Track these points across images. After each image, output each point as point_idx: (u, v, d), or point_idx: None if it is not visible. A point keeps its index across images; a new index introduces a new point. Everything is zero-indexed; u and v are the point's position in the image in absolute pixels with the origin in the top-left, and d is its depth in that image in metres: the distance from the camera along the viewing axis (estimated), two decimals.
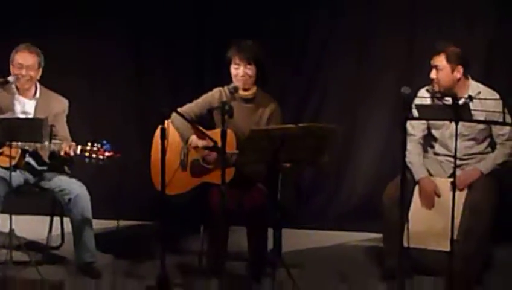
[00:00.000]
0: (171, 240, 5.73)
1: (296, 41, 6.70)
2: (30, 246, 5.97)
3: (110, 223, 6.33)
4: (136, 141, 6.57)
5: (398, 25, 6.53)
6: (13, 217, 5.34)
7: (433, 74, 5.42)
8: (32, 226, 6.22)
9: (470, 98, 5.06)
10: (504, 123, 5.09)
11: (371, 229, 6.36)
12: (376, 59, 6.56)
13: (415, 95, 5.35)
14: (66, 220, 5.78)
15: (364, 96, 6.65)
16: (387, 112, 6.50)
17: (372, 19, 6.57)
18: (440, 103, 5.17)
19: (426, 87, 5.47)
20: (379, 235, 5.97)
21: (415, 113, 5.21)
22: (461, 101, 5.10)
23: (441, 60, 5.41)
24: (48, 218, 6.00)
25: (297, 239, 6.33)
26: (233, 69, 5.49)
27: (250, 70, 5.48)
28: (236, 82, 5.47)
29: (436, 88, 5.39)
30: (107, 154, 5.33)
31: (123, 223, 6.53)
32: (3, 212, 5.46)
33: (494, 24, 6.37)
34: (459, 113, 4.82)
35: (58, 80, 5.87)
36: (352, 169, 6.76)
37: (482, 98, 5.30)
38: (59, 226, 6.03)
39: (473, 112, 5.12)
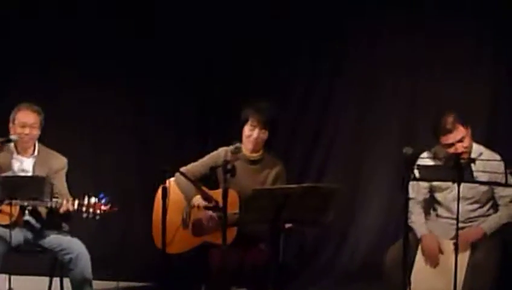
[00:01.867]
0: None
1: (297, 98, 6.77)
2: None
3: (110, 284, 6.31)
4: (137, 197, 6.59)
5: (400, 75, 6.59)
6: (12, 277, 5.36)
7: (460, 148, 5.40)
8: (31, 287, 6.20)
9: (472, 160, 5.09)
10: (507, 185, 5.10)
11: None
12: (378, 114, 6.62)
13: (416, 157, 5.37)
14: (66, 280, 5.76)
15: (367, 154, 6.68)
16: (390, 170, 6.50)
17: (374, 72, 6.64)
18: (442, 164, 5.20)
19: (426, 152, 5.52)
20: None
21: (417, 174, 5.23)
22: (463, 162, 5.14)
23: (461, 132, 5.42)
24: (47, 278, 5.93)
25: None
26: (247, 130, 5.52)
27: (264, 134, 5.53)
28: (248, 143, 5.52)
29: (465, 157, 5.38)
30: (103, 207, 5.38)
31: (124, 284, 6.52)
32: (1, 272, 5.46)
33: (495, 86, 6.40)
34: (461, 174, 4.84)
35: (59, 134, 6.00)
36: (355, 230, 6.75)
37: (484, 158, 5.34)
38: (58, 287, 5.96)
39: (475, 173, 5.19)
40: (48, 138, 5.85)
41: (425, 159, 5.43)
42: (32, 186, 5.25)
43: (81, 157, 6.22)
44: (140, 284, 6.69)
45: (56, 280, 5.95)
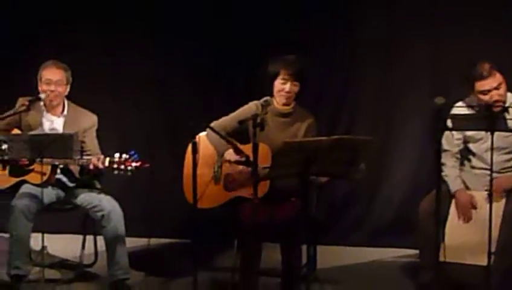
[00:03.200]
0: (203, 257, 5.73)
1: (323, 55, 6.70)
2: (63, 264, 6.06)
3: (142, 241, 6.35)
4: (166, 154, 6.62)
5: (423, 30, 6.53)
6: (46, 235, 5.40)
7: (496, 96, 5.33)
8: (64, 245, 6.31)
9: (506, 108, 5.03)
10: None
11: (406, 245, 6.36)
12: (404, 68, 6.57)
13: (447, 107, 5.31)
14: (99, 238, 5.81)
15: (396, 108, 6.65)
16: (421, 123, 6.48)
17: (396, 26, 6.59)
18: (475, 112, 5.15)
19: (461, 102, 5.47)
20: (414, 251, 6.00)
21: (450, 124, 5.19)
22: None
23: (497, 79, 5.36)
24: (80, 236, 6.02)
25: (332, 256, 6.36)
26: (278, 84, 5.49)
27: (296, 86, 5.50)
28: (280, 97, 5.50)
29: (498, 107, 5.31)
30: (135, 164, 5.36)
31: (155, 241, 6.60)
32: (35, 231, 5.52)
33: None
34: (495, 123, 4.78)
35: (86, 95, 5.93)
36: (387, 183, 6.76)
37: None
38: (92, 245, 6.06)
39: (509, 122, 5.13)
40: (78, 97, 5.86)
41: (459, 109, 5.35)
42: (61, 144, 5.22)
43: (111, 115, 6.22)
44: (172, 240, 6.77)
45: (90, 238, 6.04)
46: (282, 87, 5.49)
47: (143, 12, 6.79)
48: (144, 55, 6.83)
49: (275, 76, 5.49)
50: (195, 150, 4.94)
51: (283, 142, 4.82)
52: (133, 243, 6.19)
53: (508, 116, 5.03)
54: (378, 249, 6.55)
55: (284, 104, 5.53)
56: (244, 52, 6.64)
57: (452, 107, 5.34)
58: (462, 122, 5.02)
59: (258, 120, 4.88)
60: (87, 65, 6.52)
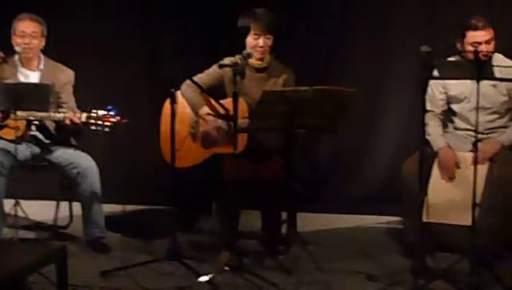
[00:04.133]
0: (183, 221, 5.61)
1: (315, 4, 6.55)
2: (37, 226, 5.96)
3: (119, 207, 6.22)
4: (146, 112, 6.43)
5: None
6: (20, 201, 5.32)
7: (485, 50, 5.26)
8: (39, 210, 6.14)
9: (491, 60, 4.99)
10: None
11: (392, 213, 6.25)
12: (398, 27, 6.45)
13: (433, 55, 5.21)
14: (75, 204, 5.77)
15: (384, 73, 6.52)
16: (410, 87, 6.34)
17: None
18: (461, 59, 5.08)
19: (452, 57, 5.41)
20: (398, 219, 5.95)
21: (436, 73, 5.09)
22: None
23: (490, 33, 5.31)
24: (54, 202, 5.96)
25: (315, 222, 6.26)
26: (251, 40, 5.41)
27: (270, 40, 5.42)
28: (255, 52, 5.40)
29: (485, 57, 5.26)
30: (112, 119, 5.25)
31: (132, 207, 6.49)
32: (7, 196, 5.42)
33: None
34: (482, 70, 4.70)
35: (65, 51, 5.84)
36: (372, 151, 6.64)
37: (502, 65, 5.24)
38: (67, 209, 5.99)
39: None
40: (56, 53, 5.75)
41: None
42: (37, 95, 5.14)
43: (89, 72, 6.08)
44: (150, 207, 6.65)
45: (65, 204, 5.98)
46: (255, 42, 5.40)
47: None
48: (125, 13, 6.66)
49: (247, 31, 5.41)
50: (173, 100, 4.86)
51: (263, 91, 4.75)
52: (108, 208, 6.01)
53: (495, 70, 4.95)
54: (362, 216, 6.44)
55: (259, 59, 5.44)
56: (226, 7, 6.42)
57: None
58: (448, 70, 4.95)
59: (239, 68, 4.79)
60: (66, 23, 6.39)
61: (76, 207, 5.71)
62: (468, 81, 5.33)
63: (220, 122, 5.29)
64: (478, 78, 4.69)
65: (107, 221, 5.67)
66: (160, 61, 6.67)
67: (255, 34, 5.39)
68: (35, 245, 5.23)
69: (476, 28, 5.31)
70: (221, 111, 5.09)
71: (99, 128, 5.28)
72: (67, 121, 5.34)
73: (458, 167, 5.39)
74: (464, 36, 5.34)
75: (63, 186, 5.85)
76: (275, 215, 5.45)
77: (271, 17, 5.40)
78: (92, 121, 5.28)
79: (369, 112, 6.50)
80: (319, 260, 5.22)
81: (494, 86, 5.41)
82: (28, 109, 5.26)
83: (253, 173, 5.25)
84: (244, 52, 5.24)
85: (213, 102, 5.32)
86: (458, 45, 5.38)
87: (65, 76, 5.70)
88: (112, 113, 5.27)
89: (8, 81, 5.52)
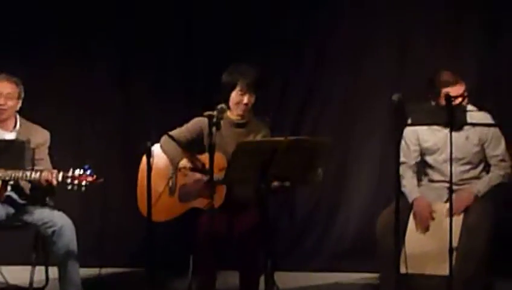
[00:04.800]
0: (158, 280, 5.57)
1: (291, 54, 6.67)
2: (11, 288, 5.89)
3: (94, 271, 6.16)
4: (120, 170, 6.47)
5: (390, 40, 6.57)
6: None
7: (459, 101, 5.27)
8: (14, 273, 6.08)
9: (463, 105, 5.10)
10: (496, 125, 5.25)
11: (367, 269, 6.26)
12: (366, 85, 6.55)
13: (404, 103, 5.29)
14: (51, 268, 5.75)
15: (359, 120, 6.61)
16: (381, 139, 6.46)
17: (365, 33, 6.58)
18: (434, 104, 5.18)
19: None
20: (376, 275, 5.94)
21: (409, 120, 5.23)
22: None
23: (462, 86, 5.42)
24: (29, 267, 5.83)
25: (290, 280, 6.23)
26: (236, 96, 5.46)
27: (253, 98, 5.48)
28: (237, 109, 5.48)
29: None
30: (89, 179, 5.29)
31: (107, 270, 6.41)
32: None
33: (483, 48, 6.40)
34: (455, 116, 4.81)
35: (40, 107, 5.92)
36: (345, 205, 6.67)
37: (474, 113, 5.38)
38: (43, 272, 5.92)
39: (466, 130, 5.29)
40: (30, 113, 5.77)
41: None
42: (12, 151, 5.18)
43: (63, 131, 6.12)
44: (125, 269, 6.57)
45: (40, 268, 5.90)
46: (240, 98, 5.46)
47: (96, 31, 6.69)
48: (102, 69, 6.74)
49: (232, 87, 5.47)
50: (149, 154, 4.88)
51: (238, 143, 4.80)
52: (83, 272, 5.83)
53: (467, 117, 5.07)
54: (338, 274, 6.44)
55: (240, 115, 5.51)
56: (202, 60, 6.61)
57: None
58: (421, 116, 5.04)
59: (214, 119, 4.84)
60: (41, 83, 6.43)
61: (52, 270, 5.66)
62: (441, 133, 5.49)
63: (198, 175, 5.33)
64: (451, 123, 4.80)
65: (83, 284, 5.59)
66: (135, 115, 6.69)
67: (240, 91, 5.44)
68: None
69: (447, 85, 5.41)
70: (199, 164, 5.13)
71: (75, 187, 5.31)
72: (43, 181, 5.35)
73: (433, 218, 5.47)
74: (438, 93, 5.41)
75: (38, 247, 5.78)
76: (253, 273, 5.39)
77: (259, 76, 5.48)
78: (68, 180, 5.31)
79: (341, 163, 6.58)
80: None
81: (467, 137, 5.53)
82: (3, 166, 5.28)
83: (229, 226, 5.27)
84: (219, 106, 5.21)
85: (190, 156, 5.36)
86: (431, 100, 5.48)
87: (41, 137, 5.71)
88: (88, 172, 5.31)
89: None
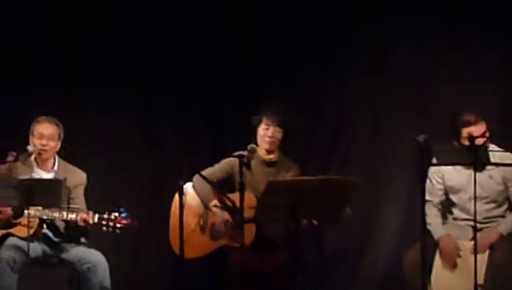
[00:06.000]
0: None
1: (310, 109, 6.81)
2: None
3: None
4: (152, 212, 6.61)
5: (408, 91, 6.68)
6: None
7: (481, 141, 5.41)
8: None
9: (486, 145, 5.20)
10: None
11: None
12: (390, 125, 6.68)
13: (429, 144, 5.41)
14: None
15: (384, 162, 6.71)
16: (406, 182, 6.50)
17: (383, 86, 6.71)
18: (457, 145, 5.30)
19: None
20: None
21: (435, 160, 5.34)
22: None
23: (484, 126, 5.53)
24: None
25: None
26: (261, 130, 5.66)
27: (280, 133, 5.66)
28: (263, 143, 5.66)
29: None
30: (124, 221, 5.47)
31: None
32: None
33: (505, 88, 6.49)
34: (478, 155, 4.92)
35: (74, 152, 6.04)
36: (374, 242, 6.76)
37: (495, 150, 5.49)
38: None
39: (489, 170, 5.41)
40: (66, 154, 5.95)
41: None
42: (49, 190, 5.32)
43: (98, 174, 6.24)
44: None
45: None
46: (265, 132, 5.66)
47: (130, 73, 6.87)
48: (132, 114, 6.89)
49: (258, 123, 5.67)
50: (181, 193, 5.03)
51: (268, 181, 4.94)
52: None
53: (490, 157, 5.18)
54: None
55: (268, 151, 5.67)
56: (229, 104, 6.76)
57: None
58: (446, 156, 5.15)
59: (245, 159, 4.99)
60: (75, 124, 6.55)
61: None
62: (465, 172, 5.60)
63: (227, 215, 5.47)
64: (475, 163, 4.92)
65: None
66: (165, 157, 6.83)
67: (266, 124, 5.64)
68: None
69: (469, 124, 5.53)
70: (229, 203, 5.27)
71: (110, 229, 5.49)
72: (80, 221, 5.52)
73: (459, 256, 5.56)
74: (459, 133, 5.52)
75: (73, 284, 5.86)
76: None
77: (283, 112, 5.67)
78: (104, 222, 5.49)
79: (369, 202, 6.67)
80: None
81: (490, 176, 5.62)
82: (40, 205, 5.45)
83: (260, 264, 5.40)
84: (249, 146, 5.45)
85: (221, 195, 5.51)
86: (454, 141, 5.59)
87: (78, 178, 5.87)
88: (123, 215, 5.49)
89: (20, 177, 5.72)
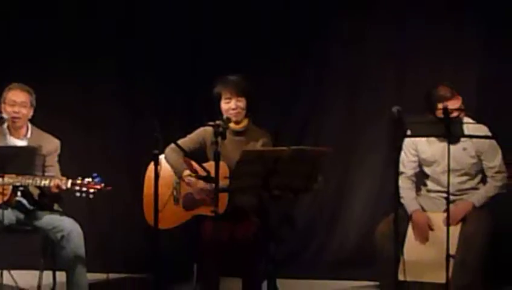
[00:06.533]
0: (163, 286, 5.72)
1: (287, 81, 6.84)
2: None
3: (100, 276, 6.35)
4: (126, 178, 6.65)
5: (388, 65, 6.70)
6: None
7: (456, 114, 5.46)
8: (22, 277, 6.21)
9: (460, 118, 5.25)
10: (492, 137, 5.37)
11: (367, 277, 6.42)
12: (368, 97, 6.70)
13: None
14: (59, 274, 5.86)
15: (358, 137, 6.76)
16: (380, 152, 6.58)
17: (363, 58, 6.72)
18: (432, 117, 5.35)
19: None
20: (375, 283, 6.13)
21: (409, 131, 5.36)
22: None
23: (459, 100, 5.58)
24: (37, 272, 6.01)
25: (292, 288, 6.34)
26: (224, 104, 5.68)
27: (241, 102, 5.68)
28: (229, 116, 5.63)
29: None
30: (97, 186, 5.46)
31: (114, 275, 6.57)
32: None
33: (482, 63, 6.52)
34: (452, 128, 4.95)
35: (49, 119, 6.05)
36: (346, 213, 6.82)
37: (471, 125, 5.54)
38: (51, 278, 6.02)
39: (463, 142, 5.47)
40: (40, 122, 5.94)
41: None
42: (23, 157, 5.33)
43: (72, 141, 6.24)
44: (131, 275, 6.73)
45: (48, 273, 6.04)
46: (228, 106, 5.67)
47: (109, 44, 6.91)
48: (109, 82, 6.91)
49: (219, 98, 5.69)
50: (156, 162, 5.04)
51: (242, 151, 4.96)
52: (91, 277, 6.00)
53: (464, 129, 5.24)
54: (338, 282, 6.59)
55: (235, 122, 5.68)
56: (205, 74, 6.67)
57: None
58: (419, 128, 5.19)
59: (220, 129, 5.01)
60: (51, 93, 6.54)
61: (60, 275, 5.79)
62: (439, 144, 5.66)
63: (202, 184, 5.49)
64: (448, 135, 4.96)
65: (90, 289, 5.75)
66: (139, 125, 6.80)
67: (226, 98, 5.66)
68: None
69: (444, 99, 5.57)
70: (203, 173, 5.29)
71: (83, 194, 5.48)
72: (54, 188, 5.52)
73: (432, 229, 5.63)
74: (435, 108, 5.55)
75: (46, 252, 5.92)
76: (255, 280, 5.56)
77: (240, 81, 5.69)
78: (77, 187, 5.48)
79: (342, 173, 6.74)
80: None
81: (464, 149, 5.68)
82: (14, 172, 5.44)
83: (232, 233, 5.44)
84: (224, 116, 5.50)
85: (195, 165, 5.55)
86: (429, 113, 5.60)
87: (51, 145, 5.87)
88: (96, 180, 5.49)
89: None
